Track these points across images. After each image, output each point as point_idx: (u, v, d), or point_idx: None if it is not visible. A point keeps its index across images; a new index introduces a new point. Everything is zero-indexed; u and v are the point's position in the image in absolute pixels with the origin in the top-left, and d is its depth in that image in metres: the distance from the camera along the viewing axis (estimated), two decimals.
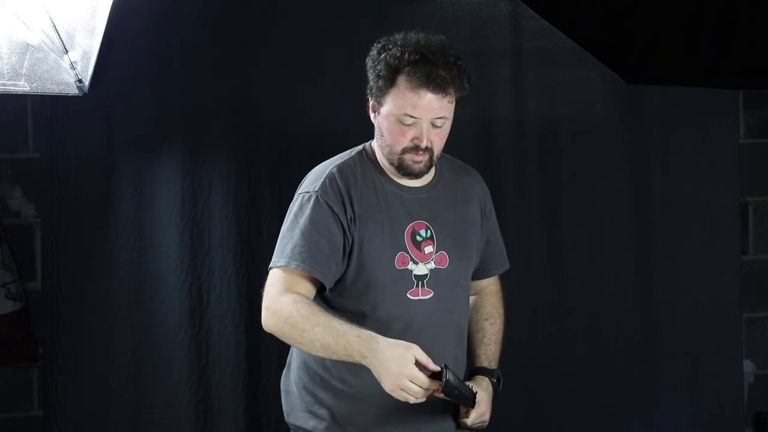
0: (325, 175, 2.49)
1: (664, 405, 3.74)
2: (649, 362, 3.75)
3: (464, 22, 3.60)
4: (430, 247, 2.50)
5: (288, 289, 2.40)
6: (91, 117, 3.40)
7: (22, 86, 2.63)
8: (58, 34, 2.61)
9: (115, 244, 3.43)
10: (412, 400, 2.26)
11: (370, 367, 2.28)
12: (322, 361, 2.49)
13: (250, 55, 3.47)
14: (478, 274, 2.67)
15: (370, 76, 2.47)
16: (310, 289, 2.43)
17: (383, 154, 2.50)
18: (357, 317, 2.42)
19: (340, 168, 2.50)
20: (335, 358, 2.35)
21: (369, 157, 2.55)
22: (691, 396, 3.77)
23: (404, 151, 2.44)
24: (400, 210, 2.50)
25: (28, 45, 2.60)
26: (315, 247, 2.42)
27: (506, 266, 2.74)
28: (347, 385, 2.49)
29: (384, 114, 2.44)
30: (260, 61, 3.48)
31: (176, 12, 3.41)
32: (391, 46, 2.43)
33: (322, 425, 2.51)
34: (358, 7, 3.52)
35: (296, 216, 2.47)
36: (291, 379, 2.59)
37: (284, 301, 2.38)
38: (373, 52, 2.48)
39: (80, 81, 2.69)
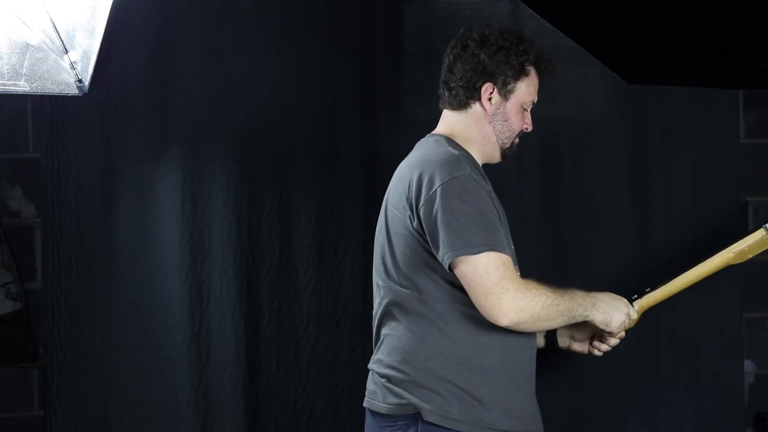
0: (461, 160, 2.56)
1: (664, 405, 3.73)
2: (649, 362, 3.75)
3: (464, 22, 3.57)
4: None
5: (514, 274, 2.51)
6: (91, 117, 3.39)
7: (22, 86, 2.63)
8: (58, 34, 2.61)
9: (115, 244, 3.43)
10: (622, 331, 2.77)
11: (595, 315, 2.64)
12: (453, 349, 2.56)
13: (250, 55, 3.47)
14: None
15: (501, 66, 2.62)
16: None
17: (501, 139, 2.65)
18: None
19: (461, 155, 2.60)
20: (568, 321, 2.62)
21: (459, 147, 2.64)
22: (691, 396, 3.76)
23: (517, 135, 2.67)
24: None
25: (28, 45, 2.60)
26: (497, 229, 2.53)
27: None
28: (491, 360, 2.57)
29: (513, 101, 2.63)
30: (260, 61, 3.48)
31: (176, 12, 3.41)
32: (519, 36, 2.69)
33: (477, 414, 2.55)
34: (358, 6, 3.52)
35: (464, 200, 2.49)
36: (425, 374, 2.56)
37: (531, 288, 2.51)
38: (503, 42, 2.65)
39: (80, 81, 2.69)
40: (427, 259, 2.53)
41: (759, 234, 2.75)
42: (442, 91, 2.70)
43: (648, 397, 3.74)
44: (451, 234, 2.46)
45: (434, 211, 2.47)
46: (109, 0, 2.52)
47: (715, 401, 3.78)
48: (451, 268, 2.49)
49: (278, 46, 3.49)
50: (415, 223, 2.52)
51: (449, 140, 2.63)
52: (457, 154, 2.56)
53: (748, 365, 4.03)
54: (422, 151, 2.64)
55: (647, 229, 3.75)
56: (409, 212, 2.53)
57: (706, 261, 2.83)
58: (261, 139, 3.49)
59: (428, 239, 2.51)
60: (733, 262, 2.80)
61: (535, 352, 2.67)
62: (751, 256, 2.77)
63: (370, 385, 2.70)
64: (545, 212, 3.68)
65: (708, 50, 3.31)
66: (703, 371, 3.78)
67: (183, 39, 3.43)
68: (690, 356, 3.77)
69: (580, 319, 2.64)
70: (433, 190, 2.48)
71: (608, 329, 2.71)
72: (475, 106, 2.63)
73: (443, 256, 2.48)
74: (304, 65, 3.50)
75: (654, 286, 2.83)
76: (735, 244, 2.79)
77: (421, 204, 2.50)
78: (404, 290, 2.57)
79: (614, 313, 2.69)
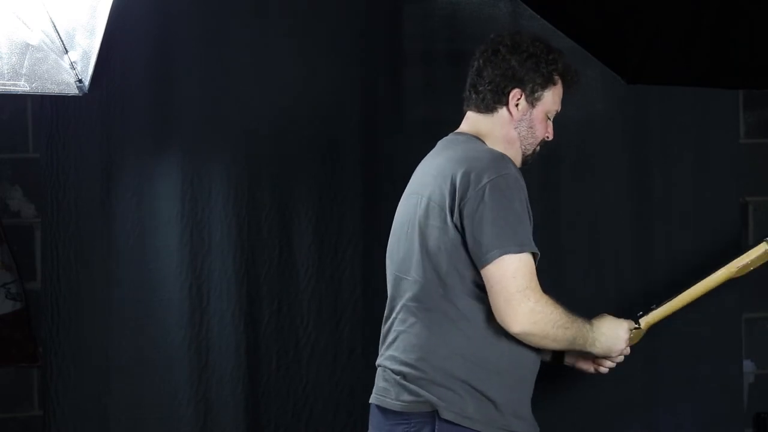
0: (506, 160, 2.59)
1: (664, 405, 3.73)
2: (649, 362, 3.75)
3: (464, 22, 3.60)
4: None
5: (537, 286, 2.53)
6: (91, 117, 3.40)
7: (22, 86, 2.63)
8: (58, 34, 2.61)
9: (115, 243, 3.43)
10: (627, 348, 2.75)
11: (595, 350, 2.67)
12: (476, 349, 2.56)
13: (250, 54, 3.47)
14: None
15: (531, 73, 2.64)
16: None
17: (524, 144, 2.69)
18: None
19: (505, 155, 2.63)
20: (568, 348, 2.67)
21: None
22: (691, 396, 3.77)
23: (539, 143, 2.71)
24: None
25: (28, 45, 2.60)
26: (530, 231, 2.55)
27: None
28: (505, 363, 2.58)
29: (539, 108, 2.67)
30: (260, 61, 3.48)
31: (176, 12, 3.41)
32: (548, 46, 2.68)
33: (491, 416, 2.55)
34: (359, 6, 3.52)
35: (510, 198, 2.51)
36: (441, 373, 2.55)
37: (549, 304, 2.54)
38: (534, 50, 2.65)
39: (80, 81, 2.69)
40: (461, 255, 2.52)
41: (761, 248, 2.80)
42: (468, 93, 2.71)
43: (648, 397, 3.74)
44: (496, 233, 2.47)
45: (480, 207, 2.48)
46: (109, 0, 2.52)
47: (715, 401, 3.79)
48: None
49: (278, 46, 3.49)
50: (455, 218, 2.52)
51: (480, 140, 2.65)
52: (502, 153, 2.60)
53: (748, 365, 4.02)
54: (461, 147, 2.64)
55: (647, 229, 3.76)
56: (449, 207, 2.53)
57: (709, 277, 2.86)
58: (261, 139, 3.49)
59: (467, 235, 2.51)
60: (736, 276, 2.84)
61: (540, 356, 2.67)
62: (752, 268, 2.82)
63: (380, 381, 2.67)
64: (545, 211, 3.68)
65: (708, 50, 3.31)
66: (703, 371, 3.78)
67: (183, 39, 3.43)
68: (690, 356, 3.78)
69: (579, 349, 2.67)
70: (481, 185, 2.49)
71: (609, 357, 2.75)
72: (502, 111, 2.65)
73: (485, 253, 2.48)
74: (304, 65, 3.50)
75: (659, 303, 2.84)
76: (737, 259, 2.82)
77: (466, 199, 2.50)
78: (429, 285, 2.56)
79: (613, 346, 2.70)
